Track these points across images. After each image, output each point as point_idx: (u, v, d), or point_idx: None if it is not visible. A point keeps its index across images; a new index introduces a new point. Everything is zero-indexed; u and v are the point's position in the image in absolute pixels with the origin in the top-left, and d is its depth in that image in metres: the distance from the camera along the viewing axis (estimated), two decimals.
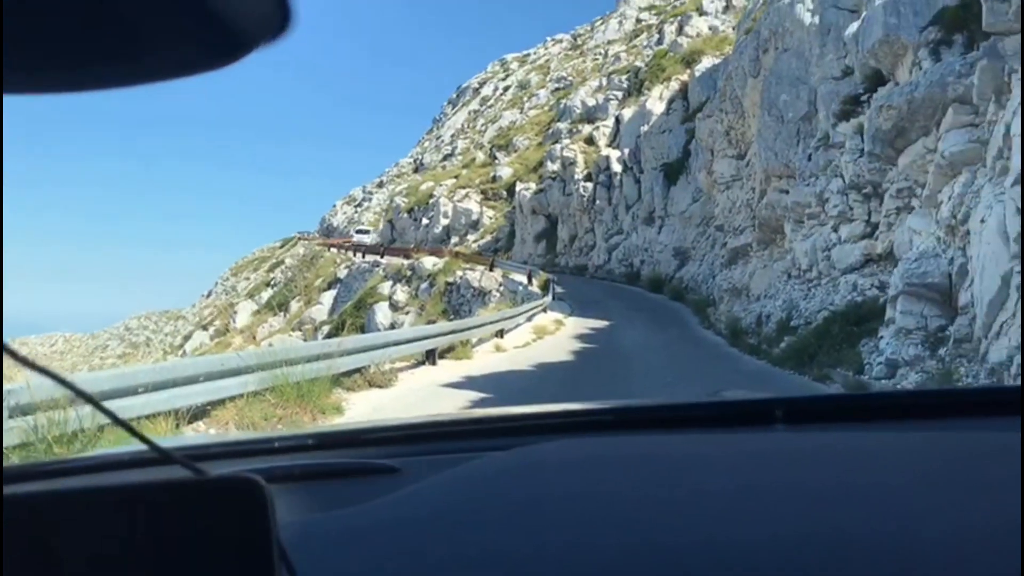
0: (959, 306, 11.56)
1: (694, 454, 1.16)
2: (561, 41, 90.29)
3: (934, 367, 11.13)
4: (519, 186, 48.51)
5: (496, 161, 58.48)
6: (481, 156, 62.88)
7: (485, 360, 14.58)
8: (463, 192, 55.30)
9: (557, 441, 1.32)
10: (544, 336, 19.19)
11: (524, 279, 32.72)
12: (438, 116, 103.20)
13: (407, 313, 35.04)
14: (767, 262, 21.78)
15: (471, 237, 51.99)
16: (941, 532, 0.79)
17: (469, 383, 11.43)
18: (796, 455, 1.12)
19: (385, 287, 38.44)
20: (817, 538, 0.80)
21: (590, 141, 46.65)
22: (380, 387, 10.68)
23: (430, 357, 13.30)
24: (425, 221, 56.16)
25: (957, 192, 11.96)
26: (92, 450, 4.98)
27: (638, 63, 53.39)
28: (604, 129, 46.93)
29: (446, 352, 14.20)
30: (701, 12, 55.04)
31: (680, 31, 53.54)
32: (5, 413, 4.89)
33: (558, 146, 47.66)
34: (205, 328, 59.32)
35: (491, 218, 52.68)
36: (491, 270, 35.17)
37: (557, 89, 67.61)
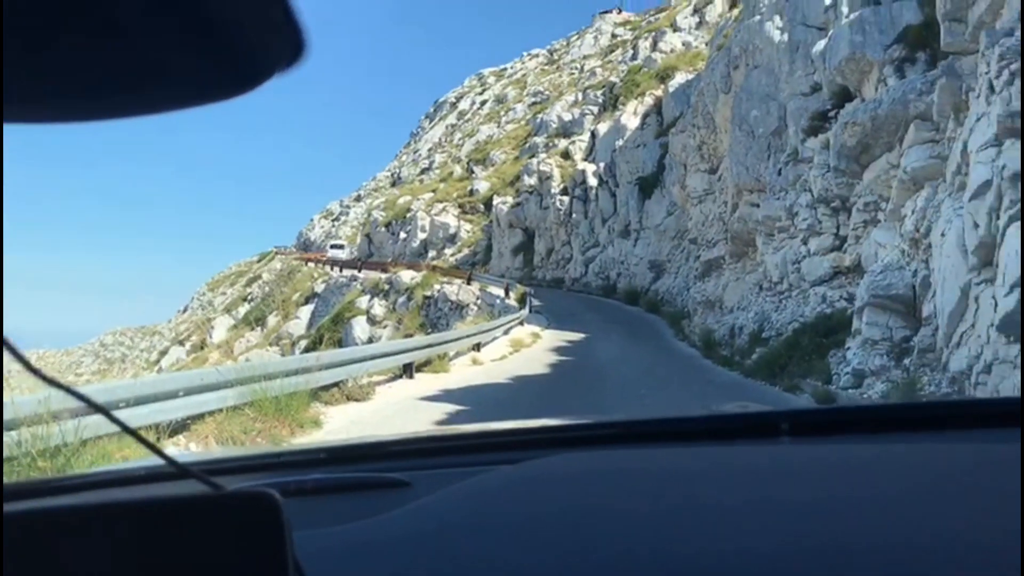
0: (922, 317, 11.89)
1: (700, 468, 1.18)
2: (537, 56, 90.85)
3: (899, 376, 11.44)
4: (496, 200, 48.77)
5: (473, 175, 58.71)
6: (458, 170, 63.07)
7: (462, 373, 14.72)
8: (441, 206, 55.45)
9: (565, 455, 1.34)
10: (521, 349, 19.34)
11: (501, 292, 32.85)
12: (415, 130, 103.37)
13: (385, 327, 35.08)
14: (740, 275, 22.12)
15: (449, 251, 52.13)
16: (943, 545, 0.80)
17: (446, 396, 11.56)
18: (800, 468, 1.13)
19: (363, 301, 38.45)
20: (820, 551, 0.81)
21: (566, 155, 47.03)
22: (358, 401, 10.79)
23: (407, 371, 13.42)
24: (403, 235, 56.22)
25: (919, 206, 12.31)
26: (75, 464, 5.11)
27: (613, 78, 53.93)
28: (580, 143, 47.34)
29: (423, 366, 14.31)
30: (675, 28, 55.68)
31: (654, 47, 54.19)
32: (5, 417, 4.99)
33: (535, 160, 48.00)
34: (182, 343, 58.89)
35: (469, 232, 52.86)
36: (469, 284, 35.29)
37: (534, 103, 68.03)
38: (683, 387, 13.14)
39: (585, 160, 44.39)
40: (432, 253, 52.26)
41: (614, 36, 74.55)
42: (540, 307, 29.05)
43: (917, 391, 10.49)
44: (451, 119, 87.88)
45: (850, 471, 1.09)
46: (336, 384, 10.65)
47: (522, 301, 29.16)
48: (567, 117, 53.49)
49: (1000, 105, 9.53)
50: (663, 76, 43.00)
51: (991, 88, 9.98)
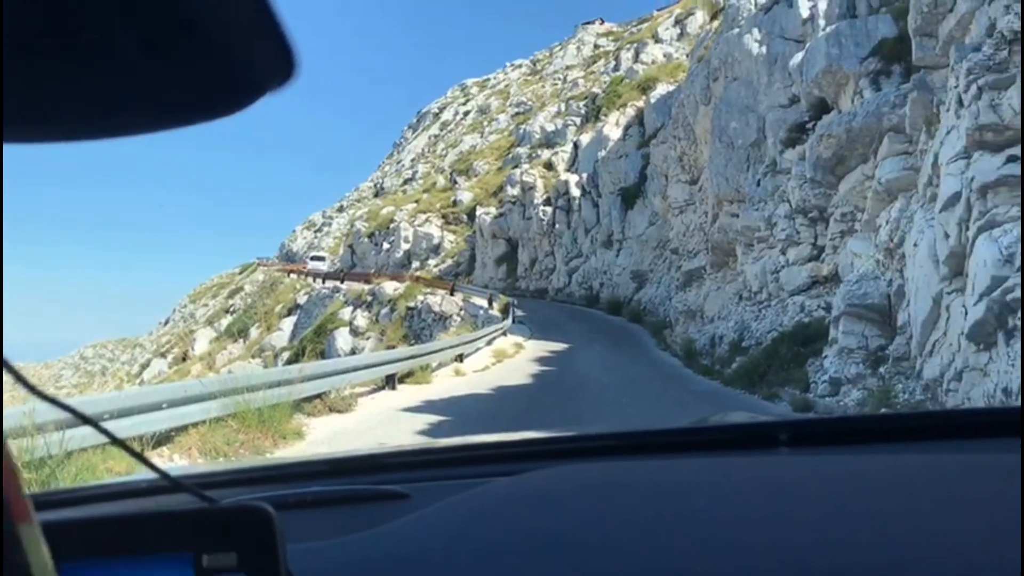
0: (897, 326, 12.10)
1: (700, 480, 1.18)
2: (520, 66, 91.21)
3: (875, 385, 11.62)
4: (479, 210, 48.92)
5: (456, 185, 58.82)
6: (442, 180, 63.17)
7: (444, 384, 14.79)
8: (424, 216, 55.52)
9: (563, 467, 1.33)
10: (503, 360, 19.43)
11: (485, 303, 32.91)
12: (398, 140, 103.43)
13: (368, 338, 35.08)
14: (720, 284, 22.33)
15: (432, 261, 52.18)
16: (943, 556, 0.80)
17: (428, 407, 11.63)
18: (799, 479, 1.13)
19: (346, 313, 38.44)
20: (820, 564, 0.81)
21: (549, 166, 47.23)
22: (340, 412, 10.84)
23: (390, 382, 13.48)
24: (386, 246, 56.22)
25: (893, 217, 12.54)
26: (60, 476, 5.17)
27: (595, 89, 54.24)
28: (563, 154, 47.56)
29: (406, 377, 14.37)
30: (657, 40, 56.15)
31: (636, 58, 54.63)
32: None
33: (518, 171, 48.18)
34: (163, 356, 58.57)
35: (452, 242, 52.93)
36: (452, 294, 35.35)
37: (517, 114, 68.28)
38: (664, 396, 13.28)
39: (568, 171, 44.60)
40: (415, 264, 52.29)
41: (596, 47, 75.02)
42: (523, 317, 29.15)
43: (891, 399, 10.68)
44: (434, 129, 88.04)
45: (849, 482, 1.09)
46: (319, 395, 10.70)
47: (505, 311, 29.24)
48: (550, 128, 53.75)
49: (969, 118, 9.75)
50: (645, 87, 43.34)
51: (960, 102, 10.21)
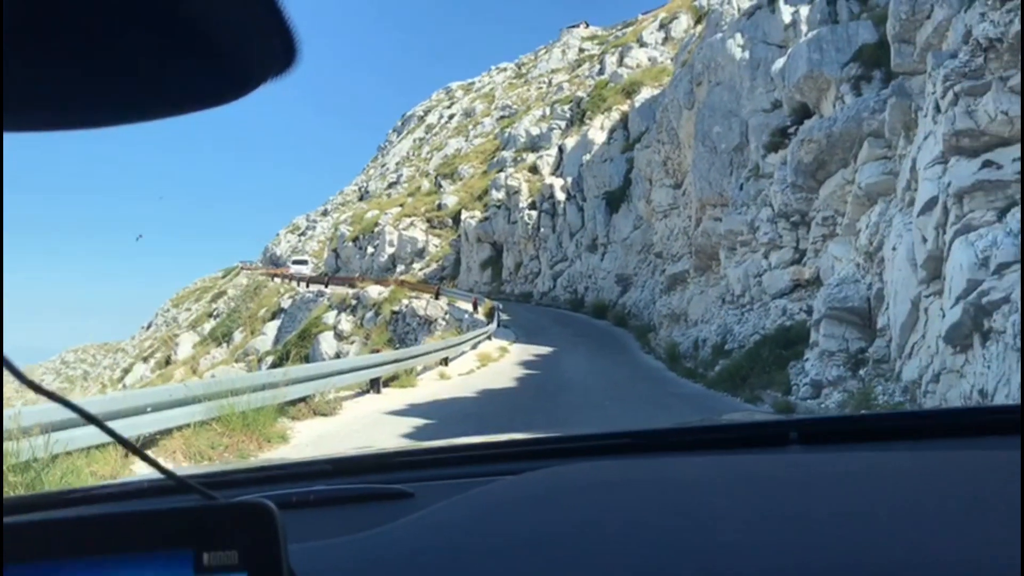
0: (877, 329, 12.24)
1: (709, 477, 1.17)
2: (505, 70, 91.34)
3: (855, 387, 11.75)
4: (464, 214, 48.99)
5: (441, 189, 58.85)
6: (426, 184, 63.17)
7: (429, 388, 14.83)
8: (408, 220, 55.50)
9: (571, 464, 1.33)
10: (488, 363, 19.50)
11: (470, 307, 32.94)
12: (383, 144, 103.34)
13: (352, 343, 35.02)
14: (704, 288, 22.48)
15: (417, 265, 52.16)
16: (946, 552, 0.81)
17: (413, 410, 11.67)
18: (809, 477, 1.14)
19: (330, 317, 38.36)
20: (830, 560, 0.82)
21: (534, 170, 47.35)
22: (325, 415, 10.86)
23: (374, 386, 13.51)
24: (370, 250, 56.16)
25: (873, 221, 12.69)
26: (46, 479, 5.18)
27: (580, 93, 54.43)
28: (548, 158, 47.69)
29: (390, 380, 14.41)
30: (641, 44, 56.40)
31: (621, 62, 54.88)
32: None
33: (503, 175, 48.29)
34: (146, 360, 58.20)
35: (437, 246, 52.95)
36: (437, 298, 35.34)
37: (502, 117, 68.35)
38: (646, 399, 13.38)
39: (553, 174, 44.74)
40: (400, 268, 52.26)
41: (581, 50, 75.29)
42: (508, 321, 29.23)
43: (871, 401, 10.80)
44: (419, 133, 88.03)
45: (857, 480, 1.10)
46: (303, 399, 10.72)
47: (490, 315, 29.31)
48: (535, 131, 53.88)
49: (945, 124, 9.90)
50: (629, 91, 43.57)
51: (937, 108, 10.36)
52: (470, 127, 73.80)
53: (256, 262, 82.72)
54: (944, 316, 9.24)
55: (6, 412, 5.29)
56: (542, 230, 41.67)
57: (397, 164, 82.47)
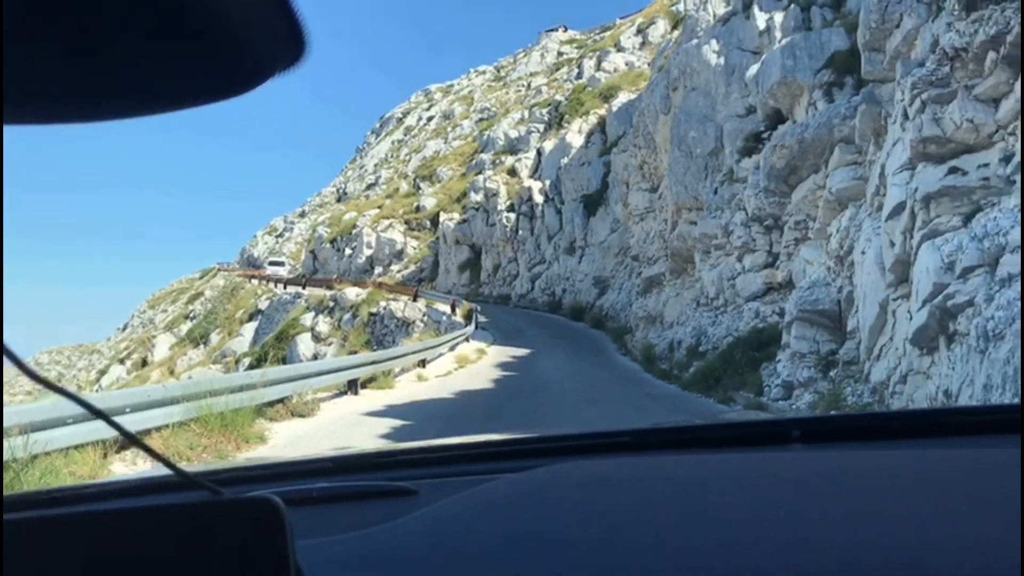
0: (847, 331, 12.47)
1: (712, 474, 1.18)
2: (484, 72, 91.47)
3: (825, 388, 11.97)
4: (443, 216, 49.05)
5: (420, 191, 58.87)
6: (405, 186, 63.15)
7: (407, 389, 14.89)
8: (387, 222, 55.46)
9: (573, 462, 1.34)
10: (466, 365, 19.59)
11: (448, 309, 33.01)
12: (361, 145, 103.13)
13: (330, 344, 34.98)
14: (679, 290, 22.70)
15: (395, 267, 52.14)
16: (946, 550, 0.82)
17: (390, 411, 11.73)
18: (812, 475, 1.14)
19: (307, 318, 38.28)
20: (831, 557, 0.82)
21: (512, 172, 47.52)
22: (303, 416, 10.91)
23: (352, 387, 13.55)
24: (348, 251, 56.05)
25: (843, 225, 12.93)
26: (24, 479, 5.23)
27: (559, 96, 54.69)
28: (526, 161, 47.88)
29: (368, 382, 14.45)
30: (619, 48, 56.75)
31: (599, 66, 55.18)
32: (4, 421, 5.00)
33: (481, 177, 48.42)
34: (122, 362, 57.72)
35: (415, 248, 52.95)
36: (415, 300, 35.37)
37: (481, 120, 68.47)
38: (622, 400, 13.53)
39: (531, 177, 44.94)
40: (378, 270, 52.21)
41: (560, 54, 75.64)
42: (486, 323, 29.34)
43: (841, 402, 11.01)
44: (397, 134, 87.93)
45: (860, 478, 1.10)
46: (281, 400, 10.77)
47: (468, 317, 29.41)
48: (513, 134, 54.07)
49: (913, 131, 10.14)
50: (607, 95, 43.93)
51: (905, 115, 10.61)
52: (449, 129, 73.86)
53: (233, 263, 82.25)
54: (911, 319, 9.46)
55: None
56: (520, 232, 41.84)
57: (376, 166, 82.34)
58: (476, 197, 46.81)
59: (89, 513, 0.60)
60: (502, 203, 44.18)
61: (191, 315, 60.51)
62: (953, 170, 9.66)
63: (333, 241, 58.89)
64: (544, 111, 53.82)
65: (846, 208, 13.33)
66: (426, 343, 20.45)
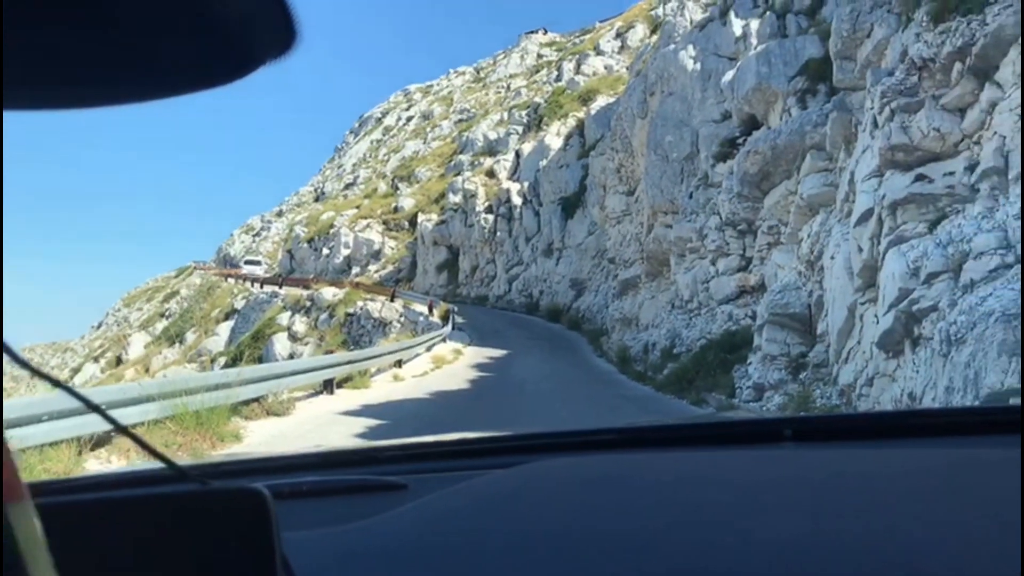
0: (817, 334, 12.70)
1: (700, 471, 1.18)
2: (464, 73, 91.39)
3: (795, 390, 12.18)
4: (421, 217, 49.02)
5: (398, 192, 58.78)
6: (383, 186, 62.99)
7: (383, 389, 14.93)
8: (365, 222, 55.32)
9: (563, 458, 1.36)
10: (442, 366, 19.65)
11: (425, 310, 33.00)
12: (340, 145, 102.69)
13: (306, 344, 34.89)
14: (654, 293, 22.92)
15: (373, 267, 52.02)
16: (944, 549, 0.81)
17: (366, 411, 11.78)
18: (804, 473, 1.14)
19: (284, 318, 38.15)
20: (824, 556, 0.81)
21: (491, 174, 47.59)
22: (278, 415, 10.93)
23: (327, 387, 13.57)
24: (326, 251, 55.85)
25: (814, 231, 13.16)
26: None
27: (538, 99, 54.86)
28: (505, 162, 47.96)
29: (344, 382, 14.48)
30: (598, 52, 57.02)
31: (578, 69, 55.40)
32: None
33: (460, 178, 48.45)
34: (96, 360, 57.16)
35: (393, 248, 52.86)
36: (392, 301, 35.35)
37: (460, 121, 68.44)
38: (597, 401, 13.68)
39: (510, 179, 45.05)
40: (356, 270, 52.07)
41: (540, 56, 75.72)
42: (463, 324, 29.41)
43: (810, 404, 11.21)
44: (376, 134, 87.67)
45: (853, 477, 1.10)
46: (256, 399, 10.80)
47: (445, 318, 29.46)
48: (493, 136, 54.16)
49: (882, 139, 10.37)
50: (585, 99, 44.14)
51: (875, 123, 10.84)
52: (428, 130, 73.78)
53: (210, 262, 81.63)
54: (878, 323, 9.67)
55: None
56: (498, 234, 41.95)
57: (354, 165, 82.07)
58: (455, 198, 46.84)
59: (76, 502, 0.60)
60: (480, 204, 44.24)
61: (166, 314, 60.06)
62: (920, 178, 9.89)
63: (311, 241, 58.66)
64: (523, 113, 53.95)
65: (817, 214, 13.57)
66: (403, 343, 20.51)
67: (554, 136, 41.95)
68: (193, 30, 0.47)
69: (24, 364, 0.51)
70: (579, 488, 1.12)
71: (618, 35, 57.56)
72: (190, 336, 49.46)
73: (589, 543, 0.89)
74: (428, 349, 22.15)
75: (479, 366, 19.59)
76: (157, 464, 0.64)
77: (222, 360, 38.06)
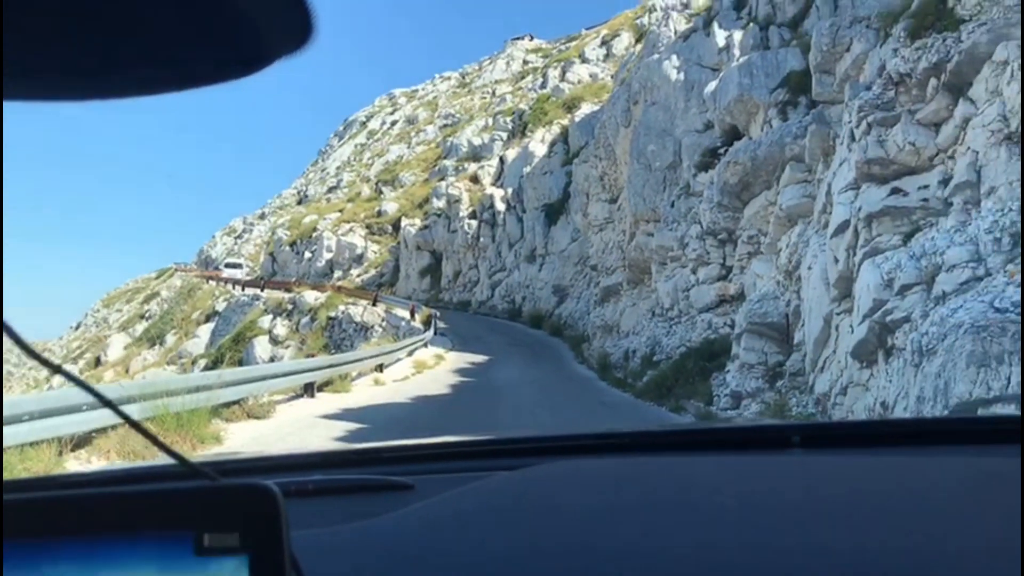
0: (794, 343, 12.86)
1: (708, 476, 1.18)
2: (449, 78, 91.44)
3: (772, 399, 12.33)
4: (404, 222, 49.01)
5: (382, 196, 58.74)
6: (367, 190, 62.91)
7: (364, 393, 14.95)
8: (348, 226, 55.23)
9: (571, 461, 1.35)
10: (424, 370, 19.69)
11: (407, 314, 32.97)
12: (324, 148, 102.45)
13: (287, 347, 34.82)
14: (636, 300, 23.07)
15: (355, 271, 51.93)
16: (945, 557, 0.82)
17: (346, 414, 11.81)
18: (811, 479, 1.14)
19: (265, 321, 38.05)
20: (829, 562, 0.82)
21: (475, 179, 47.71)
22: (259, 418, 10.95)
23: (308, 390, 13.57)
24: (308, 254, 55.70)
25: (792, 241, 13.34)
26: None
27: (523, 105, 55.02)
28: (489, 168, 48.10)
29: (325, 385, 14.49)
30: (583, 59, 57.30)
31: (563, 76, 55.65)
32: (4, 413, 4.97)
33: (444, 183, 48.50)
34: (75, 361, 56.68)
35: (376, 253, 52.79)
36: (374, 305, 35.34)
37: (445, 126, 68.48)
38: (577, 407, 13.79)
39: (494, 185, 45.18)
40: (338, 273, 51.97)
41: (525, 63, 75.94)
42: (445, 329, 29.44)
43: (786, 412, 11.36)
44: (361, 138, 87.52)
45: (860, 484, 1.10)
46: (237, 402, 10.81)
47: (428, 323, 29.47)
48: (477, 141, 54.24)
49: (858, 152, 10.56)
50: (570, 106, 44.39)
51: (852, 136, 11.03)
52: (412, 134, 73.74)
53: (191, 264, 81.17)
54: (852, 333, 9.83)
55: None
56: (482, 240, 42.02)
57: (338, 169, 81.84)
58: (438, 203, 46.88)
59: (86, 495, 0.58)
60: (464, 210, 44.31)
61: (147, 315, 59.67)
62: (895, 191, 10.08)
63: (293, 244, 58.47)
64: (508, 119, 54.08)
65: (795, 224, 13.75)
66: (384, 348, 20.53)
67: (538, 143, 42.12)
68: (207, 23, 0.47)
69: (32, 353, 0.52)
70: (586, 491, 1.13)
71: (603, 43, 57.86)
72: (170, 338, 49.19)
73: (596, 547, 0.89)
74: (410, 354, 22.17)
75: (461, 371, 19.63)
76: (168, 460, 0.64)
77: (202, 362, 37.89)
